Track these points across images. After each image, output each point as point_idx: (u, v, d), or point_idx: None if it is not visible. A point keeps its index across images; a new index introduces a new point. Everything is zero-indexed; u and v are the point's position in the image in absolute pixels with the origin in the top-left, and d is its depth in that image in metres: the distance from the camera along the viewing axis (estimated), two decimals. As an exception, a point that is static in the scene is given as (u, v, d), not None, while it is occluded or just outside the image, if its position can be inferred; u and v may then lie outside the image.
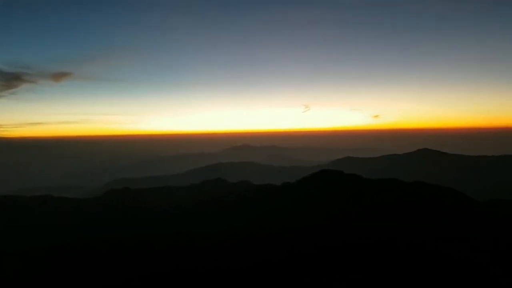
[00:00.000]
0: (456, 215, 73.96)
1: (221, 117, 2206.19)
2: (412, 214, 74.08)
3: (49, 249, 70.02)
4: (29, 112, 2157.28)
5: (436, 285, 41.12)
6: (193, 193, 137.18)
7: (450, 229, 63.02)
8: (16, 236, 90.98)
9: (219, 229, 79.99)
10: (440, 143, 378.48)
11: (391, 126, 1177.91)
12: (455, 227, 65.20)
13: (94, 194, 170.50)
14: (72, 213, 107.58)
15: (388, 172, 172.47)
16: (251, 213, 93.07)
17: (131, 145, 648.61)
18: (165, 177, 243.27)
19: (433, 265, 45.21)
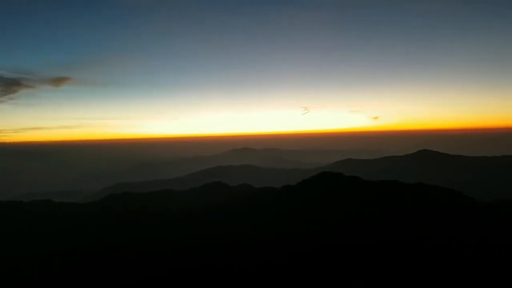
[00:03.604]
0: (456, 216, 73.80)
1: (221, 120, 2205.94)
2: (413, 216, 73.93)
3: (49, 255, 69.73)
4: (29, 117, 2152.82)
5: (437, 286, 40.87)
6: (193, 197, 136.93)
7: (451, 230, 62.79)
8: (17, 241, 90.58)
9: (220, 233, 79.71)
10: (440, 144, 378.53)
11: (391, 127, 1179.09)
12: (456, 228, 64.97)
13: (94, 198, 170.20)
14: (72, 219, 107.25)
15: (388, 173, 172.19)
16: (252, 217, 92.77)
17: (130, 149, 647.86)
18: (165, 181, 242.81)
19: (433, 266, 44.96)
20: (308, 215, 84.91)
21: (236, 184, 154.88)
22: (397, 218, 73.36)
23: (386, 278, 43.31)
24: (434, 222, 69.61)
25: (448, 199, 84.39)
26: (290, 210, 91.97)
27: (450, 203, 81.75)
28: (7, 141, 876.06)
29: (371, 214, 77.63)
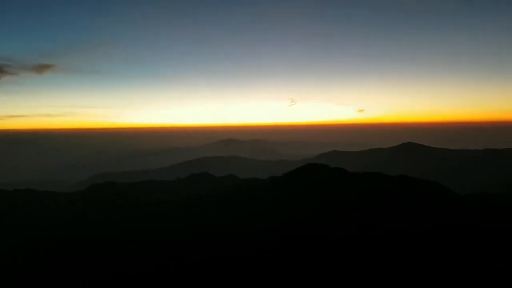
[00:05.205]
0: (439, 208, 74.88)
1: (207, 111, 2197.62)
2: (397, 208, 74.72)
3: (32, 244, 68.76)
4: (11, 104, 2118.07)
5: (421, 277, 41.45)
6: (179, 187, 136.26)
7: (434, 222, 63.69)
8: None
9: (205, 224, 79.61)
10: (424, 137, 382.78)
11: (376, 120, 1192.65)
12: (439, 220, 65.92)
13: (77, 188, 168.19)
14: (54, 208, 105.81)
15: (373, 166, 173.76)
16: (237, 208, 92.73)
17: (115, 139, 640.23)
18: (150, 171, 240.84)
19: (416, 258, 45.54)
20: (293, 206, 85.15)
21: (222, 175, 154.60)
22: (381, 210, 74.03)
23: (370, 269, 43.74)
24: (417, 214, 70.47)
25: (431, 191, 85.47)
26: (276, 201, 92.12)
27: (433, 195, 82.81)
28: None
29: (356, 206, 78.16)
